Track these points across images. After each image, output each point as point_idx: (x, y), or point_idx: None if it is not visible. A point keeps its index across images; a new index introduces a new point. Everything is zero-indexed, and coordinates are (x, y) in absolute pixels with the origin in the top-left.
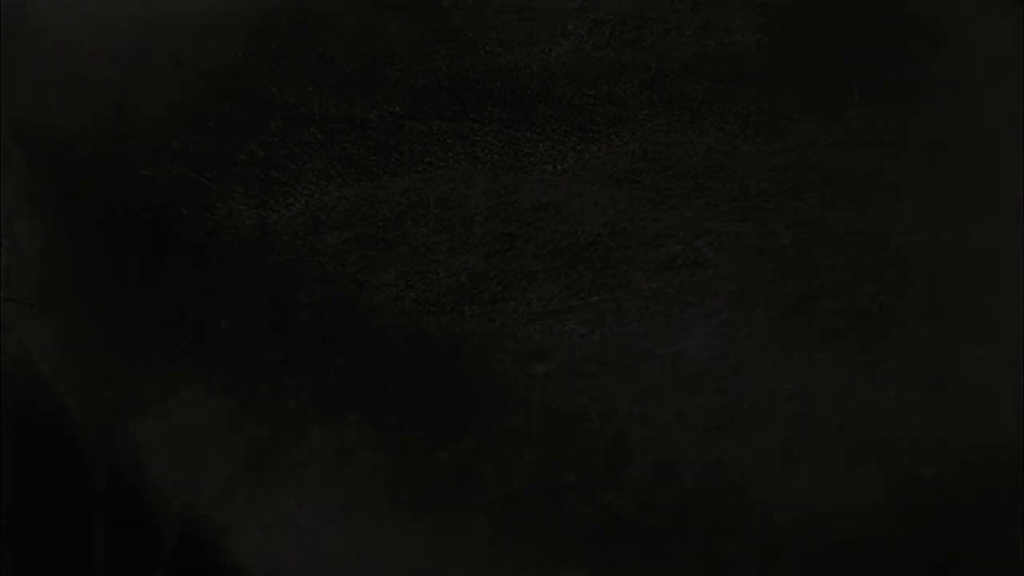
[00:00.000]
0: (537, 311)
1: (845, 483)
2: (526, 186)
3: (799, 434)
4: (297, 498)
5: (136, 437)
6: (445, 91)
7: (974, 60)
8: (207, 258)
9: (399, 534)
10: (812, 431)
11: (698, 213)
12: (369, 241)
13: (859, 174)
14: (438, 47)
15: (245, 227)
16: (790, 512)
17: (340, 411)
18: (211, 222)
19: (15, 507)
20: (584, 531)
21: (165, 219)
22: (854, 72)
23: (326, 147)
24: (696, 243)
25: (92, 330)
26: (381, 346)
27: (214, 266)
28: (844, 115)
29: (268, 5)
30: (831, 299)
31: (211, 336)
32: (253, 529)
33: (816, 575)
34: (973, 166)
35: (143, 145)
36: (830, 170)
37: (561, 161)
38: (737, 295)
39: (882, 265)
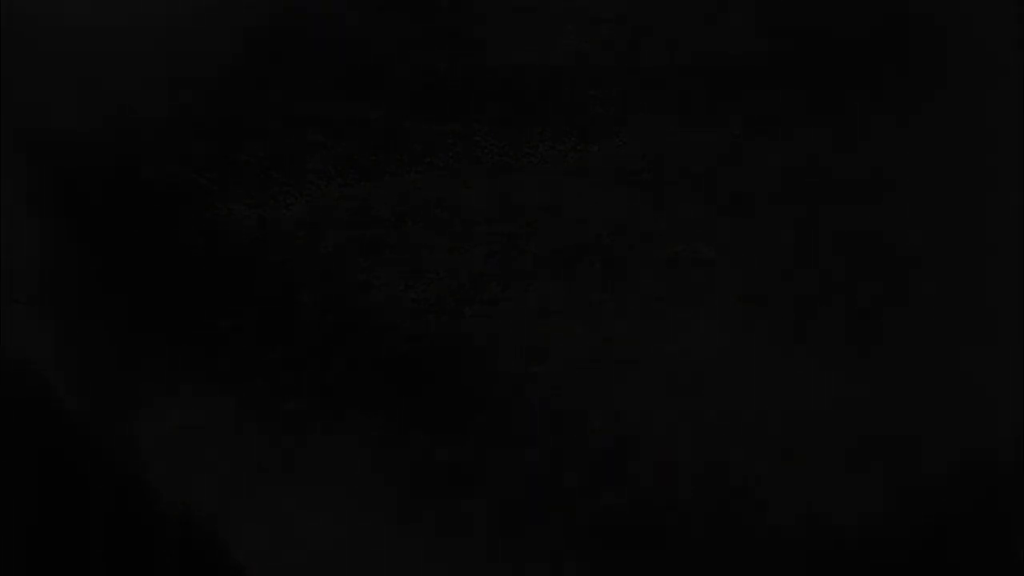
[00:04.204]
0: (537, 311)
1: (845, 483)
2: (526, 186)
3: (799, 434)
4: (297, 498)
5: (136, 437)
6: (445, 91)
7: (974, 60)
8: (207, 258)
9: (399, 534)
10: (812, 431)
11: (698, 213)
12: (369, 241)
13: (859, 174)
14: (438, 47)
15: (245, 227)
16: (790, 512)
17: (340, 411)
18: (211, 222)
19: (15, 507)
20: (584, 531)
21: (165, 219)
22: (854, 72)
23: (326, 147)
24: (696, 243)
25: (92, 330)
26: (381, 346)
27: (214, 266)
28: (844, 115)
29: (268, 5)
30: (831, 299)
31: (211, 336)
32: (253, 529)
33: (816, 575)
34: (973, 166)
35: (143, 145)
36: (830, 170)
37: (561, 161)
38: (737, 295)
39: (882, 265)
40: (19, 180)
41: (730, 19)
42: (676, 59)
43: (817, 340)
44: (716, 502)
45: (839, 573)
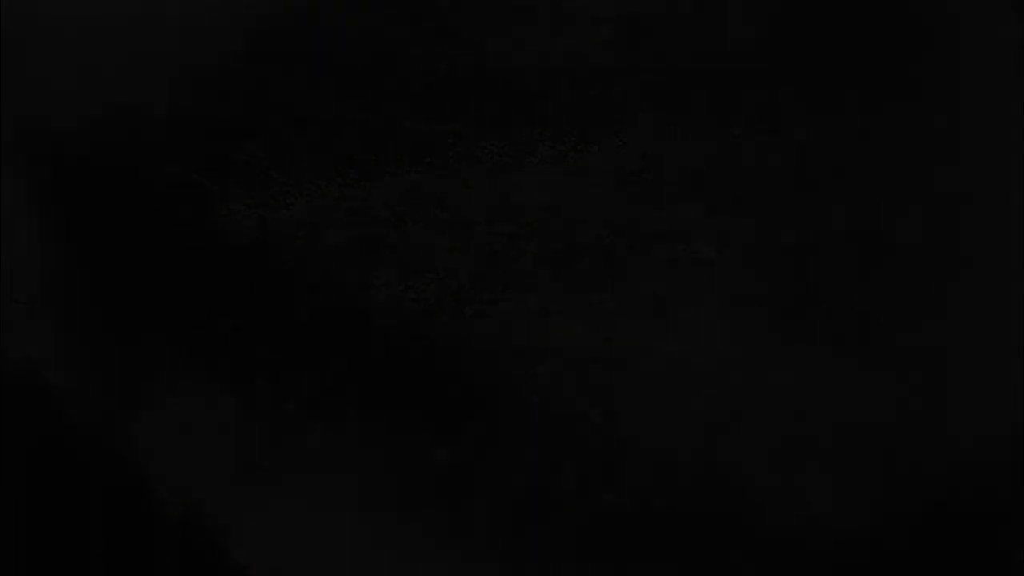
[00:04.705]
0: (537, 311)
1: (845, 483)
2: (526, 186)
3: (799, 434)
4: (297, 498)
5: (136, 437)
6: (445, 91)
7: (974, 60)
8: (207, 258)
9: (399, 534)
10: (812, 431)
11: (698, 213)
12: (369, 241)
13: (859, 174)
14: (437, 47)
15: (245, 227)
16: (790, 512)
17: (340, 411)
18: (211, 222)
19: (14, 507)
20: (584, 531)
21: (165, 219)
22: (854, 72)
23: (326, 147)
24: (696, 243)
25: (92, 330)
26: (381, 346)
27: (214, 266)
28: (844, 115)
29: (268, 5)
30: (831, 299)
31: (211, 336)
32: (253, 529)
33: (816, 575)
34: (974, 165)
35: (143, 145)
36: (830, 170)
37: (561, 161)
38: (737, 295)
39: (882, 265)
40: (19, 180)
41: (730, 19)
42: (676, 59)
43: (817, 340)
44: (716, 502)
45: (839, 573)
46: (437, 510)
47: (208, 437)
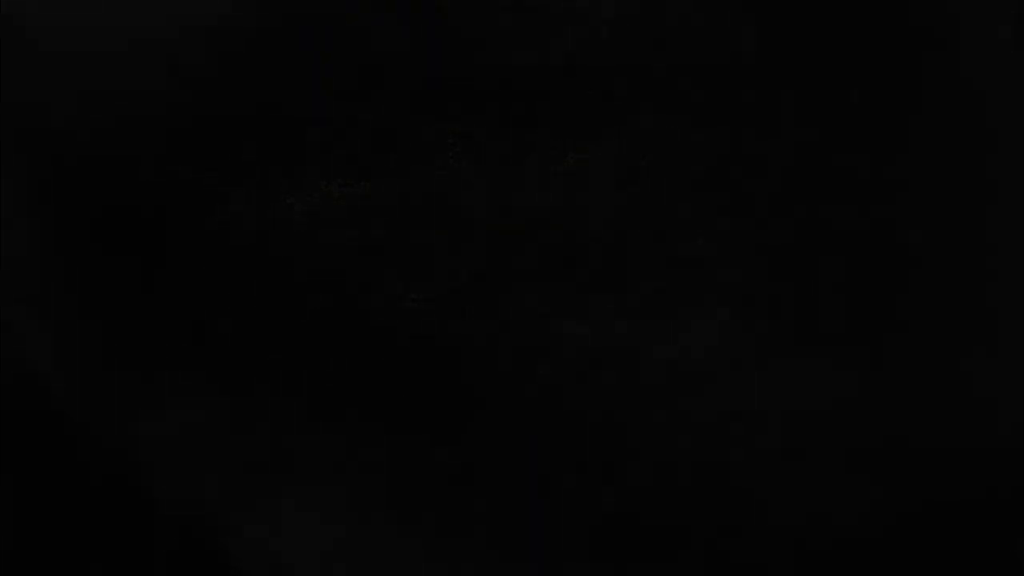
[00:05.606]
0: (537, 311)
1: (845, 483)
2: (526, 186)
3: (799, 434)
4: (297, 498)
5: (136, 437)
6: (445, 91)
7: (974, 60)
8: (207, 258)
9: (399, 534)
10: (812, 431)
11: (698, 212)
12: (369, 241)
13: (859, 174)
14: (438, 47)
15: (245, 227)
16: (790, 512)
17: (340, 411)
18: (211, 222)
19: (15, 507)
20: (584, 531)
21: (165, 219)
22: (854, 72)
23: (326, 147)
24: (696, 242)
25: (92, 331)
26: (381, 346)
27: (214, 266)
28: (844, 115)
29: (269, 6)
30: (831, 299)
31: (211, 336)
32: (253, 529)
33: (816, 575)
34: (973, 165)
35: (143, 146)
36: (830, 170)
37: (561, 161)
38: (737, 295)
39: (882, 265)
40: (19, 180)
41: (730, 19)
42: (676, 59)
43: (816, 340)
44: (716, 502)
45: (839, 573)
46: (437, 510)
47: (208, 437)
